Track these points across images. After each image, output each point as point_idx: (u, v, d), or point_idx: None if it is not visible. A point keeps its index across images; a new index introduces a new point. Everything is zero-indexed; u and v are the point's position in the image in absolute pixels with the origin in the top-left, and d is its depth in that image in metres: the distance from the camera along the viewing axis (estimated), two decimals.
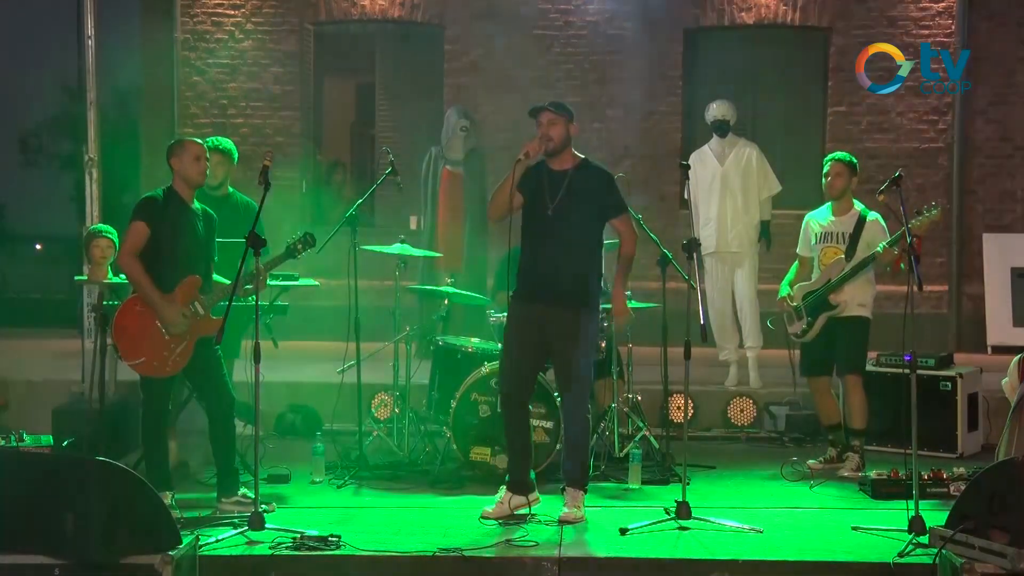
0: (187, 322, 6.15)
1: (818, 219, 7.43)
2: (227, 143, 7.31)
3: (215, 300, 6.27)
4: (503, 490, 6.18)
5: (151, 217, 6.09)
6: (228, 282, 6.31)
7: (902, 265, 6.93)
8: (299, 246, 6.35)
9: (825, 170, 7.29)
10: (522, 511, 6.07)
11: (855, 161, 7.32)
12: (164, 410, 6.30)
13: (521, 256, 6.20)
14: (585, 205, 6.07)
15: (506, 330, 6.24)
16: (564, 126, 6.06)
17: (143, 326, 6.09)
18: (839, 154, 7.36)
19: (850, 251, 7.18)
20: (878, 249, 7.02)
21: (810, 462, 7.30)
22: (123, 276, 6.41)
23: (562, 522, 5.98)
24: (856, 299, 7.20)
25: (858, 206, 7.27)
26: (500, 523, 5.98)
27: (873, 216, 7.22)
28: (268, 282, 6.92)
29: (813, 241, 7.41)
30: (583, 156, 6.20)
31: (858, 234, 7.17)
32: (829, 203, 7.37)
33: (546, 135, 6.04)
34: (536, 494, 6.18)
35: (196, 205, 6.31)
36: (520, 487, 6.14)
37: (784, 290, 7.47)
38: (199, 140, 6.45)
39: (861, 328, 7.24)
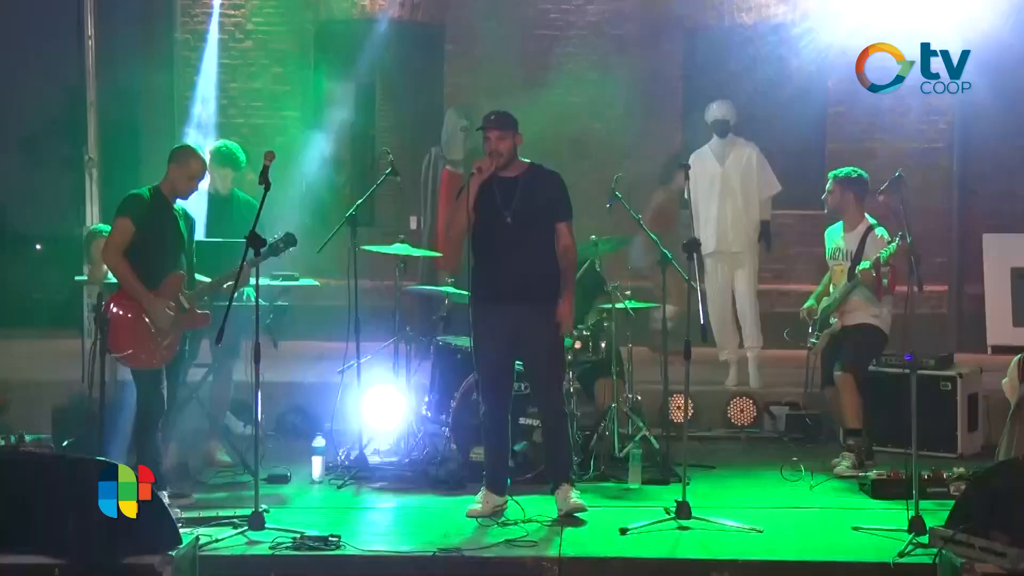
0: (173, 316, 6.20)
1: (832, 235, 7.48)
2: (240, 154, 7.33)
3: (199, 296, 6.37)
4: (483, 490, 6.24)
5: (137, 215, 6.16)
6: (211, 280, 6.37)
7: (884, 281, 7.01)
8: (280, 245, 6.38)
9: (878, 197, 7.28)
10: (499, 511, 6.15)
11: (852, 175, 7.32)
12: (158, 404, 6.30)
13: (480, 264, 6.20)
14: (540, 208, 6.13)
15: (480, 334, 6.21)
16: (511, 139, 6.13)
17: (130, 319, 6.14)
18: (835, 171, 7.42)
19: (852, 269, 7.20)
20: (857, 271, 7.08)
21: (837, 468, 7.26)
22: None
23: (570, 512, 6.05)
24: (861, 310, 7.22)
25: (869, 220, 7.30)
26: (497, 523, 6.01)
27: (879, 232, 7.22)
28: (269, 282, 6.96)
29: (827, 256, 7.47)
30: (529, 161, 6.24)
31: (861, 251, 7.19)
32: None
33: (496, 151, 6.08)
34: (505, 499, 6.23)
35: (177, 206, 6.40)
36: (499, 488, 6.23)
37: (809, 301, 7.49)
38: (204, 157, 6.50)
39: (866, 333, 7.25)
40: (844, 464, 7.14)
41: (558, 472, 6.27)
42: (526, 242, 6.09)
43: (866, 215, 7.33)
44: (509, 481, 6.31)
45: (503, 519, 6.06)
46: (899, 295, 6.51)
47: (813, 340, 7.39)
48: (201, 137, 9.62)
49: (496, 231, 6.10)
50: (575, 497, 6.17)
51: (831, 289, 7.40)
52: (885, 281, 7.08)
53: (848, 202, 7.31)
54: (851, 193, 7.31)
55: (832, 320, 7.30)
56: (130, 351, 6.15)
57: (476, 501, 6.22)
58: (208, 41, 10.67)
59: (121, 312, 6.13)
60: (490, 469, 6.27)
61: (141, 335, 6.16)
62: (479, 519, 6.07)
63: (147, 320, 6.16)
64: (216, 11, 10.86)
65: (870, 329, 7.24)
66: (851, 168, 7.46)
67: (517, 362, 6.35)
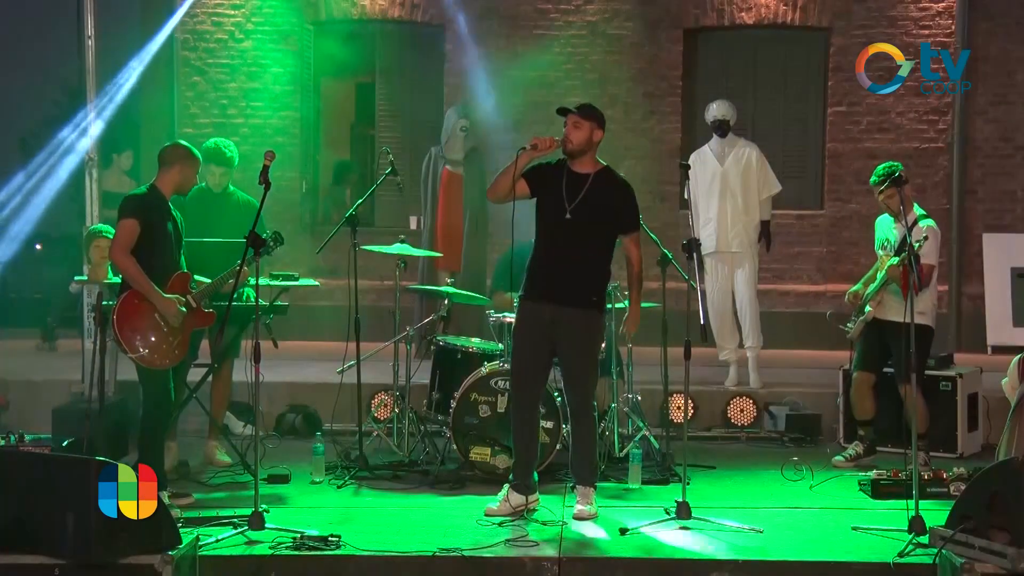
0: (185, 315, 6.21)
1: (882, 225, 7.41)
2: (229, 151, 7.30)
3: (201, 296, 6.36)
4: (506, 488, 6.20)
5: (141, 215, 6.15)
6: (211, 281, 6.38)
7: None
8: (270, 244, 6.36)
9: (877, 195, 7.20)
10: (522, 511, 6.11)
11: (894, 170, 7.07)
12: (166, 404, 6.32)
13: (533, 255, 6.21)
14: (603, 212, 6.10)
15: (516, 330, 6.25)
16: (588, 130, 6.08)
17: (144, 319, 6.15)
18: (880, 172, 7.16)
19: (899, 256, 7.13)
20: (886, 266, 7.04)
21: (836, 458, 7.31)
22: (120, 276, 6.42)
23: (576, 519, 6.03)
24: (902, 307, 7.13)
25: (917, 211, 7.20)
26: (500, 522, 5.98)
27: (924, 224, 7.11)
28: (269, 282, 6.96)
29: (876, 246, 7.41)
30: (606, 164, 6.22)
31: (905, 242, 7.11)
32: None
33: (566, 137, 6.07)
34: (536, 496, 6.21)
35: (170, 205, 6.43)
36: (523, 487, 6.18)
37: (856, 286, 7.42)
38: (199, 154, 6.51)
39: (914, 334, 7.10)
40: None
41: (578, 474, 6.24)
42: (581, 242, 6.07)
43: (915, 205, 7.26)
44: (536, 476, 6.27)
45: (502, 520, 6.02)
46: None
47: (850, 325, 7.36)
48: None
49: (555, 224, 6.08)
50: (590, 505, 6.12)
51: (878, 276, 7.34)
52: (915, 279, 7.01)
53: (904, 195, 7.15)
54: (903, 186, 7.17)
55: (867, 308, 7.28)
56: (145, 351, 6.16)
57: (496, 500, 6.17)
58: (163, 30, 10.58)
59: (134, 312, 6.14)
60: (515, 467, 6.22)
61: (155, 335, 6.17)
62: (479, 520, 6.04)
63: (159, 320, 6.17)
64: (184, 8, 10.80)
65: (916, 328, 7.05)
66: (888, 164, 7.28)
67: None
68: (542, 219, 6.16)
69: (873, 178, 7.24)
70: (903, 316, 7.04)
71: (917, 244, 6.72)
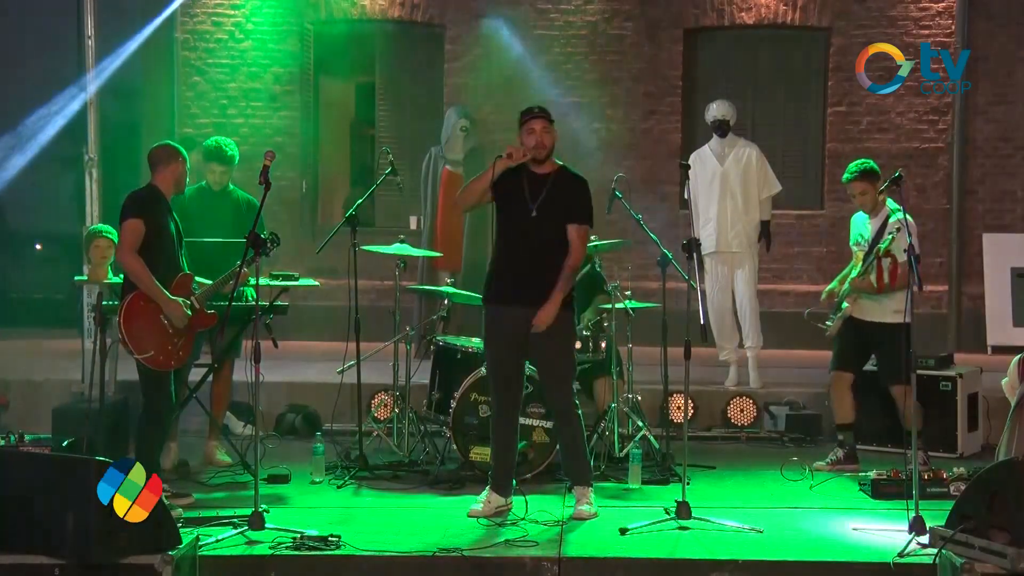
0: (188, 317, 6.22)
1: (857, 223, 7.42)
2: (230, 150, 7.30)
3: (204, 298, 6.37)
4: (487, 490, 6.23)
5: (146, 214, 6.14)
6: (210, 282, 6.38)
7: (886, 276, 6.96)
8: (268, 245, 6.35)
9: (849, 191, 7.24)
10: (502, 511, 6.15)
11: (868, 168, 7.17)
12: (166, 406, 6.32)
13: (496, 259, 6.21)
14: (564, 208, 6.10)
15: (488, 336, 6.21)
16: (553, 133, 6.12)
17: (150, 320, 6.16)
18: (853, 168, 7.22)
19: (867, 257, 7.14)
20: (849, 279, 7.15)
21: (817, 463, 7.29)
22: (122, 276, 6.42)
23: (576, 519, 6.04)
24: (880, 306, 7.13)
25: (890, 206, 7.18)
26: (500, 522, 6.00)
27: (893, 218, 7.08)
28: (269, 282, 6.96)
29: (851, 243, 7.42)
30: (561, 163, 6.23)
31: (880, 236, 7.12)
32: None
33: (540, 143, 6.06)
34: (511, 500, 6.23)
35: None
36: (504, 488, 6.21)
37: (832, 284, 7.44)
38: (185, 151, 6.50)
39: (894, 334, 6.87)
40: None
41: (573, 475, 6.26)
42: (546, 240, 6.05)
43: (887, 201, 7.27)
44: (515, 483, 6.30)
45: (502, 519, 6.05)
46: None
47: (828, 322, 7.36)
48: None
49: (520, 224, 6.07)
50: (588, 505, 6.14)
51: (852, 274, 7.34)
52: (887, 277, 7.03)
53: (878, 191, 7.18)
54: (876, 183, 7.19)
55: (844, 305, 7.27)
56: (151, 352, 6.16)
57: (478, 501, 6.21)
58: (140, 37, 10.56)
59: (141, 313, 6.14)
60: (495, 470, 6.26)
61: (161, 336, 6.18)
62: (479, 519, 6.07)
63: (164, 321, 6.17)
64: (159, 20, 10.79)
65: (897, 328, 6.81)
66: (859, 162, 7.29)
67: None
68: (505, 221, 6.15)
69: (846, 175, 7.27)
70: (879, 316, 7.11)
71: (890, 237, 6.74)
